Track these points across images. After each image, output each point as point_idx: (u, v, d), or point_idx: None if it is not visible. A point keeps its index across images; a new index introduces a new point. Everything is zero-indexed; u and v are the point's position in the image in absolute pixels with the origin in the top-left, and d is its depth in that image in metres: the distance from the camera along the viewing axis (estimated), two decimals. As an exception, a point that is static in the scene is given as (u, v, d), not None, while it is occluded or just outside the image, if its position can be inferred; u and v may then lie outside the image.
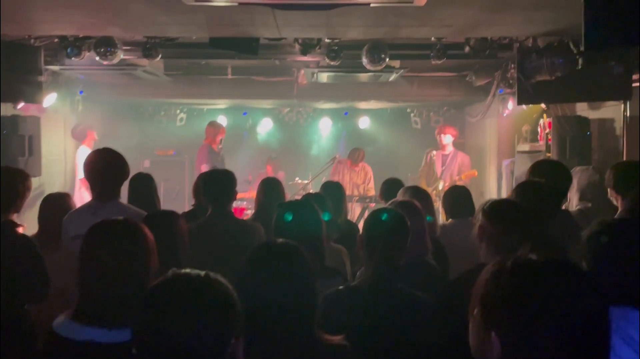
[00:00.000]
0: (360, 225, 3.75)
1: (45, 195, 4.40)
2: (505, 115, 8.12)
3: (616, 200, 3.94)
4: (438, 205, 8.05)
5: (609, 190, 4.08)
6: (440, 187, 8.32)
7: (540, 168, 4.00)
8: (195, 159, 8.88)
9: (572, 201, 4.72)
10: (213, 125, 9.08)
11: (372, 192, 8.88)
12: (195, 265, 1.89)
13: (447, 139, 8.76)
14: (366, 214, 6.77)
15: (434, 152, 8.88)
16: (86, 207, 3.69)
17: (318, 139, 11.38)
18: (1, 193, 3.40)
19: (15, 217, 3.62)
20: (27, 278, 2.29)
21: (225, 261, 3.69)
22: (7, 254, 2.26)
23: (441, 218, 7.78)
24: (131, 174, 4.01)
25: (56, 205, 4.20)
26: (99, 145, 8.12)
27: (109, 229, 2.21)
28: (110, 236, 2.17)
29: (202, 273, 1.59)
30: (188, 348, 1.46)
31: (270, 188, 4.72)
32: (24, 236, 3.31)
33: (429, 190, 8.26)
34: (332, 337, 2.04)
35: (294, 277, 2.02)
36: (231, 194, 4.13)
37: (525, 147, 7.88)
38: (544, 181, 3.57)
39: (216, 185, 4.11)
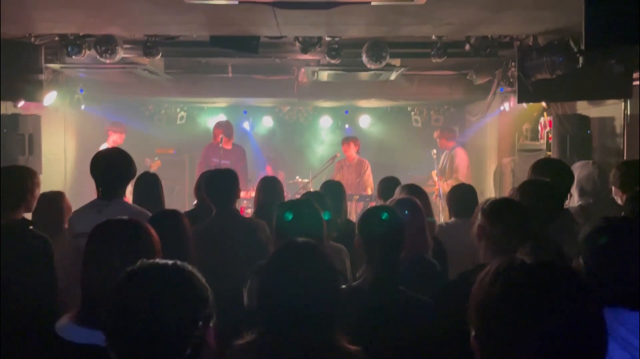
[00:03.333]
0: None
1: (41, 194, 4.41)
2: (501, 109, 8.10)
3: (621, 199, 3.94)
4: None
5: (613, 188, 4.08)
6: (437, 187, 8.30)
7: (543, 166, 4.00)
8: None
9: (574, 197, 4.72)
10: (216, 124, 9.09)
11: (368, 187, 8.84)
12: (203, 264, 1.90)
13: (444, 144, 9.00)
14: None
15: (435, 152, 8.87)
16: (91, 205, 3.68)
17: (318, 138, 11.37)
18: (11, 190, 3.39)
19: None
20: (40, 278, 2.28)
21: (233, 259, 3.72)
22: (22, 253, 2.25)
23: (442, 217, 7.80)
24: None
25: (51, 204, 4.21)
26: (99, 143, 8.13)
27: (113, 229, 2.19)
28: (115, 236, 2.15)
29: (170, 262, 1.63)
30: (152, 333, 1.50)
31: (269, 187, 4.73)
32: (39, 234, 3.30)
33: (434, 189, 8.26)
34: (350, 346, 2.01)
35: (316, 277, 2.00)
36: (233, 193, 4.12)
37: (526, 145, 7.88)
38: (547, 180, 3.56)
39: (217, 185, 4.11)
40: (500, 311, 1.29)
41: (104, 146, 8.21)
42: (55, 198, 4.32)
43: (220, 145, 8.55)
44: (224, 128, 8.80)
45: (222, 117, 10.74)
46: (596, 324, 1.28)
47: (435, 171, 8.52)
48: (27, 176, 3.57)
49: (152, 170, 8.34)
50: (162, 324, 1.51)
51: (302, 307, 1.93)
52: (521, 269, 1.33)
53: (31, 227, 3.39)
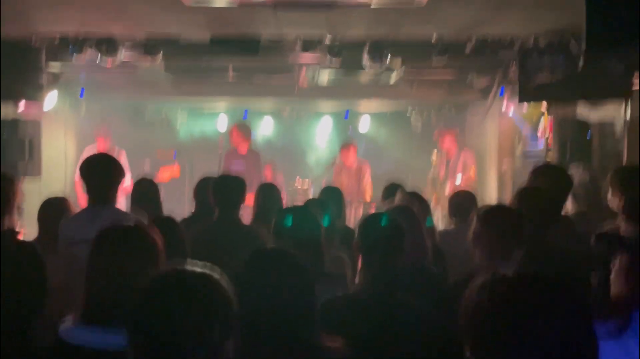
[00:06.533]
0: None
1: (45, 199, 4.37)
2: (511, 114, 8.07)
3: (619, 202, 3.93)
4: (444, 211, 8.03)
5: (610, 191, 4.07)
6: (446, 192, 8.26)
7: (541, 172, 3.98)
8: None
9: (567, 203, 4.72)
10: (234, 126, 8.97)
11: (367, 192, 8.80)
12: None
13: (447, 145, 8.79)
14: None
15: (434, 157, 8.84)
16: (83, 212, 3.66)
17: (318, 140, 11.36)
18: None
19: (16, 221, 3.59)
20: (28, 288, 2.29)
21: (230, 265, 3.72)
22: (10, 265, 2.26)
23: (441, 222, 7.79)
24: (131, 175, 4.00)
25: (55, 209, 4.19)
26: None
27: (119, 234, 2.22)
28: (121, 241, 2.18)
29: (202, 270, 1.63)
30: (170, 338, 1.50)
31: (267, 193, 4.74)
32: (26, 243, 3.27)
33: (435, 195, 8.24)
34: (332, 343, 2.02)
35: (288, 283, 2.01)
36: (239, 200, 4.15)
37: (526, 148, 7.87)
38: (545, 187, 3.55)
39: (225, 190, 4.13)
40: (487, 326, 1.29)
41: (91, 149, 8.07)
42: (61, 204, 4.28)
43: (233, 150, 8.53)
44: (237, 130, 8.72)
45: (222, 119, 10.74)
46: (582, 334, 1.28)
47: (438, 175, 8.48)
48: (7, 183, 3.54)
49: (166, 179, 8.25)
50: (179, 329, 1.50)
51: (274, 312, 1.93)
52: (503, 283, 1.32)
53: (18, 237, 3.35)
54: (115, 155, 7.58)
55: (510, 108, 7.85)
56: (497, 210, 2.94)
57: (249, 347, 1.93)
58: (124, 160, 8.00)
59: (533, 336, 1.24)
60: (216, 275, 1.63)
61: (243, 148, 8.59)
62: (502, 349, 1.26)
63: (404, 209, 3.46)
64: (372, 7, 4.32)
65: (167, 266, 1.66)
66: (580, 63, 5.33)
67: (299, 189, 9.02)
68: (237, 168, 8.14)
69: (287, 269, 2.05)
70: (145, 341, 1.53)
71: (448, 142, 8.78)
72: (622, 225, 3.43)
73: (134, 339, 1.55)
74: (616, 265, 2.05)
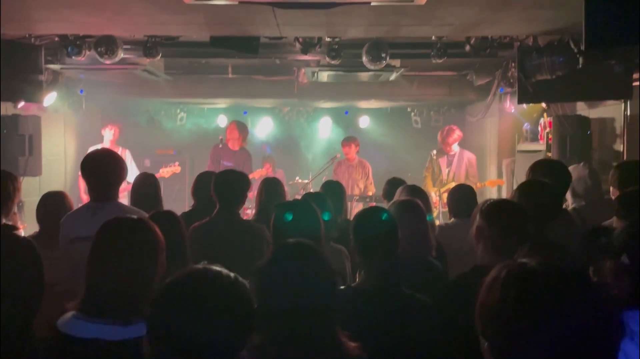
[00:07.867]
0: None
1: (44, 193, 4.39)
2: (512, 111, 8.03)
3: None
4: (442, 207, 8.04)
5: (611, 189, 4.08)
6: (445, 188, 8.25)
7: (540, 167, 4.00)
8: None
9: (568, 200, 4.73)
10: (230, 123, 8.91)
11: (372, 188, 8.84)
12: (199, 262, 1.89)
13: (453, 146, 8.47)
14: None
15: (434, 152, 8.76)
16: (85, 208, 3.63)
17: (318, 138, 11.38)
18: None
19: (16, 217, 3.59)
20: (25, 284, 2.29)
21: (229, 261, 3.71)
22: (7, 260, 2.27)
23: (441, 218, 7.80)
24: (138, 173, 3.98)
25: (54, 203, 4.21)
26: (99, 144, 8.10)
27: (123, 227, 2.24)
28: (124, 234, 2.20)
29: (232, 274, 1.63)
30: (201, 345, 1.50)
31: (270, 188, 4.72)
32: (23, 239, 3.27)
33: (436, 190, 8.23)
34: (350, 342, 2.02)
35: (318, 277, 2.01)
36: (241, 196, 4.13)
37: (526, 146, 7.88)
38: (546, 181, 3.56)
39: (227, 185, 4.11)
40: (515, 317, 1.27)
41: (98, 146, 8.04)
42: (60, 198, 4.30)
43: (223, 145, 8.51)
44: (234, 126, 8.69)
45: (222, 118, 10.76)
46: (610, 324, 1.28)
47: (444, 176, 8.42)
48: (9, 181, 3.53)
49: (167, 174, 8.24)
50: (213, 340, 1.50)
51: (300, 307, 1.92)
52: (533, 274, 1.31)
53: (17, 232, 3.34)
54: (119, 153, 7.65)
55: (510, 106, 7.87)
56: (501, 205, 2.89)
57: (270, 342, 1.93)
58: (128, 159, 8.03)
59: (562, 327, 1.23)
60: (243, 280, 1.62)
61: (235, 145, 8.58)
62: (531, 340, 1.24)
63: (410, 203, 3.47)
64: (371, 4, 4.30)
65: (195, 266, 1.65)
66: (580, 63, 5.33)
67: (299, 184, 9.04)
68: (225, 163, 8.14)
69: (311, 262, 2.05)
70: (166, 339, 1.52)
71: (453, 141, 8.50)
72: (615, 221, 3.45)
73: (155, 335, 1.55)
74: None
